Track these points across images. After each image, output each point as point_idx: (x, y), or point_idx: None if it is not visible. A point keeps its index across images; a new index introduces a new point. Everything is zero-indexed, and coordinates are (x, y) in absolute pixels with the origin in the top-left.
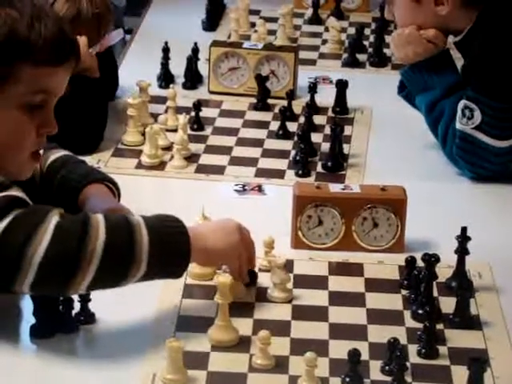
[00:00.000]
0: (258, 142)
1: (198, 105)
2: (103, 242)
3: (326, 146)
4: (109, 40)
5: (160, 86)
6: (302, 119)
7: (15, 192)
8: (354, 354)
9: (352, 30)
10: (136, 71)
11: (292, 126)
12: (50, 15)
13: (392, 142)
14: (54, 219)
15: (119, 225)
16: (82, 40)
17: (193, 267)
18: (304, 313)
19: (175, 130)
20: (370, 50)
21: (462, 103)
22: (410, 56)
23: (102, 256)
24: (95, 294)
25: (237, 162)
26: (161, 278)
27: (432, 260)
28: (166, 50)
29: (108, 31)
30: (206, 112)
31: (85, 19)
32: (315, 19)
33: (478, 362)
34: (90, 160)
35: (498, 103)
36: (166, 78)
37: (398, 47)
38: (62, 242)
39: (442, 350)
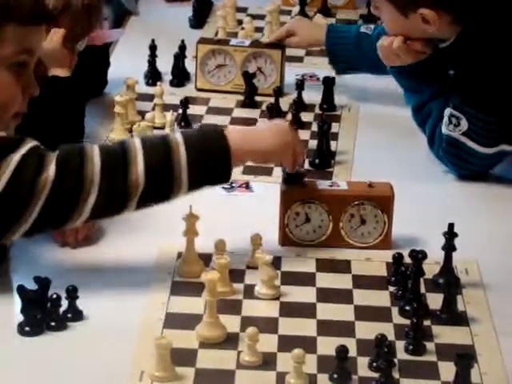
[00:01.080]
0: None
1: (186, 102)
2: (143, 168)
3: (313, 143)
4: (108, 36)
5: (147, 84)
6: (289, 116)
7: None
8: (342, 350)
9: None
10: (123, 68)
11: None
12: None
13: (379, 139)
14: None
15: (157, 147)
16: (59, 33)
17: (181, 263)
18: (292, 310)
19: (162, 128)
20: None
21: (448, 111)
22: (398, 64)
23: (144, 181)
24: (83, 292)
25: None
26: (207, 186)
27: (419, 256)
28: (153, 48)
29: (99, 23)
30: (193, 109)
31: (75, 10)
32: (302, 16)
33: (465, 358)
34: None
35: (485, 116)
36: (153, 76)
37: (385, 57)
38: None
39: (430, 346)
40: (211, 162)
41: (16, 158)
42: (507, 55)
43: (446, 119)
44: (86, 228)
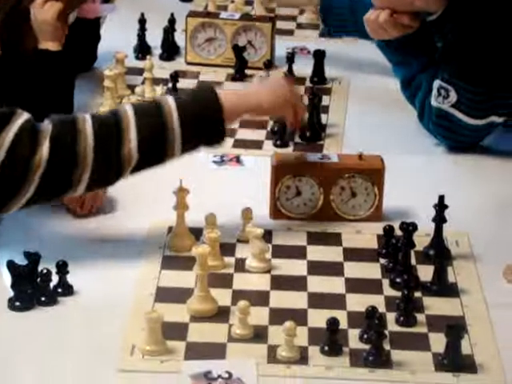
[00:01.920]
0: None
1: (175, 76)
2: (136, 140)
3: (304, 116)
4: (101, 10)
5: (137, 58)
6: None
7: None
8: (333, 322)
9: None
10: (112, 43)
11: None
12: None
13: (370, 111)
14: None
15: (150, 115)
16: (56, 6)
17: (171, 238)
18: (283, 283)
19: None
20: None
21: (437, 83)
22: (386, 38)
23: (137, 152)
24: (73, 267)
25: None
26: (201, 147)
27: (410, 229)
28: (142, 21)
29: None
30: (183, 83)
31: None
32: None
33: (455, 329)
34: None
35: (473, 87)
36: (142, 50)
37: (372, 31)
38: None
39: (420, 317)
40: (205, 124)
41: (10, 134)
42: (494, 26)
43: (434, 91)
44: (98, 200)
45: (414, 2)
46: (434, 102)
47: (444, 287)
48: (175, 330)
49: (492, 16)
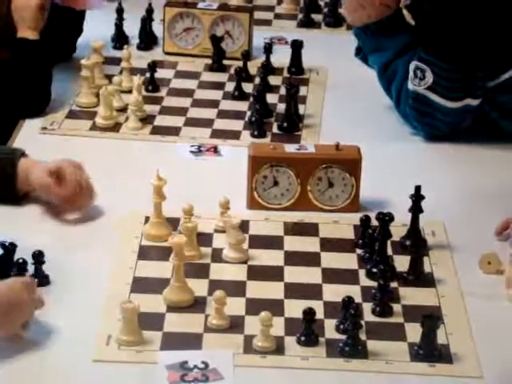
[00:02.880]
0: (213, 103)
1: (153, 66)
2: None
3: (281, 107)
4: (89, 4)
5: (114, 47)
6: (257, 80)
7: None
8: (309, 312)
9: None
10: (90, 32)
11: (247, 87)
12: None
13: (347, 102)
14: None
15: None
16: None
17: (148, 227)
18: (259, 273)
19: (130, 92)
20: (326, 10)
21: (413, 64)
22: (363, 19)
23: None
24: (49, 256)
25: (192, 123)
26: None
27: (386, 219)
28: (119, 11)
29: None
30: (160, 73)
31: None
32: None
33: (431, 319)
34: (44, 122)
35: (448, 64)
36: (120, 39)
37: (350, 11)
38: None
39: (396, 307)
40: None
41: None
42: (468, 4)
43: (411, 74)
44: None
45: None
46: (410, 85)
47: (420, 277)
48: (151, 321)
49: None
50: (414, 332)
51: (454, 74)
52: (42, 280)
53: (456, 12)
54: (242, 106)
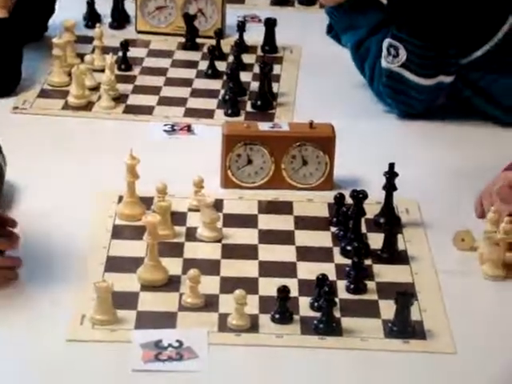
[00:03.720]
0: (186, 82)
1: (126, 44)
2: None
3: (255, 85)
4: None
5: (86, 26)
6: (230, 58)
7: None
8: (283, 290)
9: None
10: (61, 10)
11: (221, 66)
12: None
13: (321, 80)
14: None
15: None
16: None
17: (121, 207)
18: (233, 251)
19: (102, 71)
20: None
21: (386, 42)
22: (336, 2)
23: None
24: (23, 235)
25: (165, 102)
26: None
27: (360, 196)
28: None
29: None
30: (133, 52)
31: None
32: None
33: (404, 296)
34: (15, 102)
35: (421, 41)
36: (92, 18)
37: None
38: None
39: (370, 285)
40: None
41: None
42: None
43: (384, 51)
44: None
45: None
46: (383, 63)
47: (394, 255)
48: (125, 300)
49: None
50: (388, 309)
51: (427, 51)
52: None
53: None
54: (216, 84)
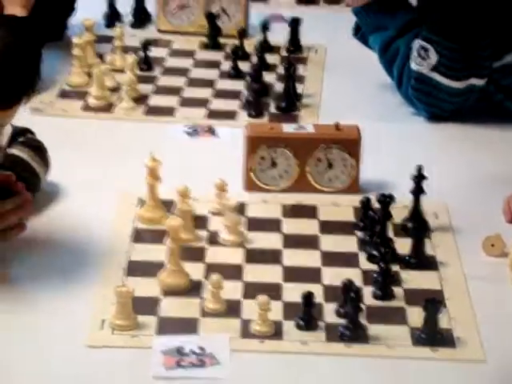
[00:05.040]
0: (209, 83)
1: (147, 44)
2: None
3: (279, 86)
4: None
5: (107, 26)
6: (254, 58)
7: None
8: (308, 296)
9: None
10: (81, 10)
11: (244, 66)
12: None
13: (346, 81)
14: None
15: None
16: None
17: (143, 210)
18: (257, 256)
19: (123, 71)
20: None
21: (416, 43)
22: (364, 2)
23: None
24: (42, 238)
25: (187, 103)
26: None
27: (387, 200)
28: None
29: None
30: (155, 52)
31: None
32: None
33: (433, 303)
34: (34, 103)
35: (452, 43)
36: (112, 17)
37: None
38: None
39: (398, 291)
40: None
41: None
42: None
43: (414, 53)
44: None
45: None
46: (413, 65)
47: (422, 260)
48: (146, 305)
49: None
50: (416, 316)
51: (459, 53)
52: None
53: None
54: (239, 85)
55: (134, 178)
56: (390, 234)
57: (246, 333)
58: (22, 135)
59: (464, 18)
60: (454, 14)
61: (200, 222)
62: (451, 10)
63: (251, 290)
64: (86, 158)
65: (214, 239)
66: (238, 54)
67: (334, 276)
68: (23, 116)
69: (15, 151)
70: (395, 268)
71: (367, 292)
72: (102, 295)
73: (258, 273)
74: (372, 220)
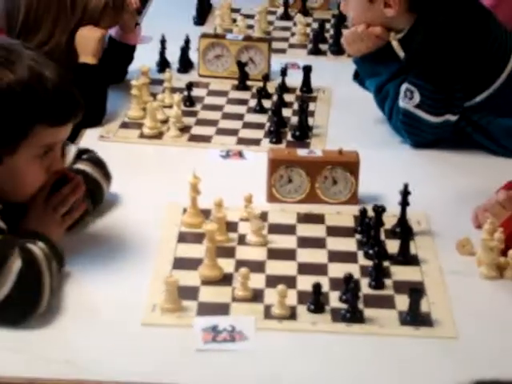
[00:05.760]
0: (238, 116)
1: (190, 86)
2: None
3: (294, 119)
4: (142, 40)
5: (158, 71)
6: (275, 97)
7: None
8: (317, 286)
9: (315, 25)
10: (139, 59)
11: (267, 103)
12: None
13: (348, 116)
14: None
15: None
16: (100, 32)
17: (186, 218)
18: (277, 254)
19: (171, 107)
20: (331, 40)
21: (404, 86)
22: (362, 50)
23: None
24: (104, 237)
25: (222, 132)
26: None
27: (380, 210)
28: (163, 41)
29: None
30: (196, 92)
31: (109, 10)
32: (285, 16)
33: (416, 291)
34: (101, 131)
35: (432, 87)
36: (163, 64)
37: (351, 44)
38: None
39: (388, 282)
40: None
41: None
42: (449, 40)
43: (402, 94)
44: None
45: (386, 13)
46: (401, 103)
47: (407, 258)
48: (189, 292)
49: (448, 31)
50: (402, 302)
51: (438, 94)
52: None
53: (442, 46)
54: (263, 118)
55: (180, 191)
56: (382, 236)
57: (267, 315)
58: (86, 154)
59: (441, 68)
60: (433, 65)
61: (231, 226)
62: (431, 62)
63: (272, 281)
64: (141, 175)
65: (242, 240)
66: (262, 93)
67: (337, 270)
68: (93, 141)
69: (81, 166)
70: (386, 264)
71: (364, 283)
72: (153, 284)
73: (277, 267)
74: (368, 226)
